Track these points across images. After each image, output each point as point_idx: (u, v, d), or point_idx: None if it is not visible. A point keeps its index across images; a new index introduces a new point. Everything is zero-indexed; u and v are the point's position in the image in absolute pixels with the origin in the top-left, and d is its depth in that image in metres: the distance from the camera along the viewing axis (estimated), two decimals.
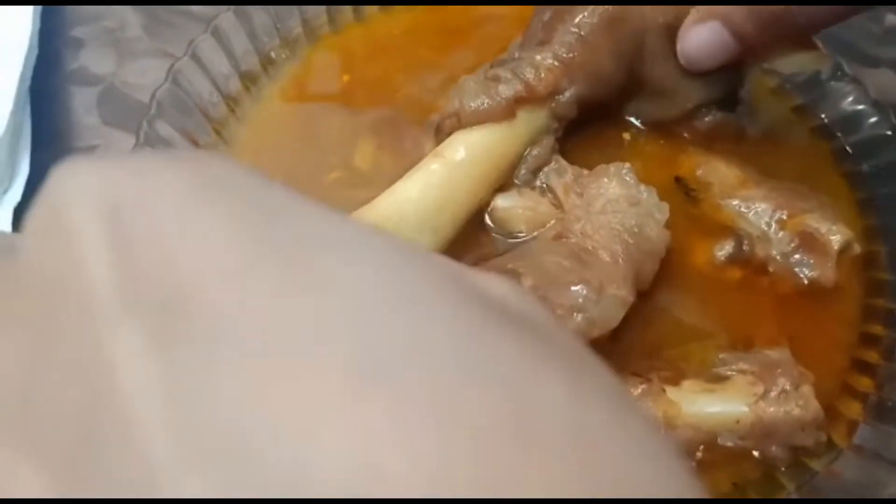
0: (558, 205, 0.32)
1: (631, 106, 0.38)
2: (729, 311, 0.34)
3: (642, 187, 0.32)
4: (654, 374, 0.30)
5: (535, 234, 0.32)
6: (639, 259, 0.30)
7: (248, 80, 0.40)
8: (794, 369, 0.31)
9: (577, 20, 0.33)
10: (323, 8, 0.41)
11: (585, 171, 0.33)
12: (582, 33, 0.33)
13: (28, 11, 0.43)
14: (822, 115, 0.40)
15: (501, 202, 0.33)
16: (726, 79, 0.37)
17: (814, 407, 0.30)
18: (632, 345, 0.30)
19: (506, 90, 0.32)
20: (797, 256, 0.35)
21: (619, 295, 0.28)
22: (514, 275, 0.28)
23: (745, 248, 0.36)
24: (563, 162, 0.34)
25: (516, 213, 0.33)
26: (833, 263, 0.35)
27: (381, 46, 0.41)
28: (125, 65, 0.48)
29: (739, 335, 0.33)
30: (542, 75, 0.33)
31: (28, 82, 0.41)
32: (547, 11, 0.35)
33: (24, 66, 0.41)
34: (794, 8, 0.30)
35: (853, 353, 0.34)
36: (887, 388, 0.31)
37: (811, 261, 0.35)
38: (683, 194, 0.36)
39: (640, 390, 0.28)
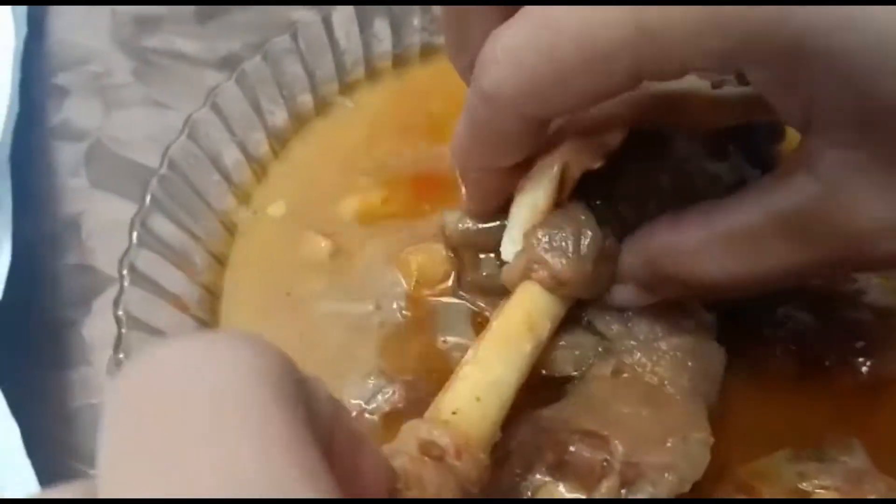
0: (593, 331, 0.29)
1: None
2: (791, 413, 0.31)
3: None
4: (730, 499, 0.27)
5: (584, 368, 0.29)
6: (705, 388, 0.27)
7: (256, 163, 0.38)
8: (880, 482, 0.28)
9: None
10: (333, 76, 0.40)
11: None
12: None
13: (7, 62, 0.39)
14: None
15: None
16: None
17: None
18: None
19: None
20: (857, 345, 0.32)
21: (702, 438, 0.25)
22: (600, 439, 0.24)
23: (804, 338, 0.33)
24: None
25: (562, 353, 0.29)
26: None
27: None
28: (113, 116, 0.44)
29: (807, 441, 0.30)
30: None
31: (8, 150, 0.37)
32: None
33: (3, 131, 0.37)
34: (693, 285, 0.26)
35: None
36: None
37: (871, 349, 0.32)
38: None
39: None
